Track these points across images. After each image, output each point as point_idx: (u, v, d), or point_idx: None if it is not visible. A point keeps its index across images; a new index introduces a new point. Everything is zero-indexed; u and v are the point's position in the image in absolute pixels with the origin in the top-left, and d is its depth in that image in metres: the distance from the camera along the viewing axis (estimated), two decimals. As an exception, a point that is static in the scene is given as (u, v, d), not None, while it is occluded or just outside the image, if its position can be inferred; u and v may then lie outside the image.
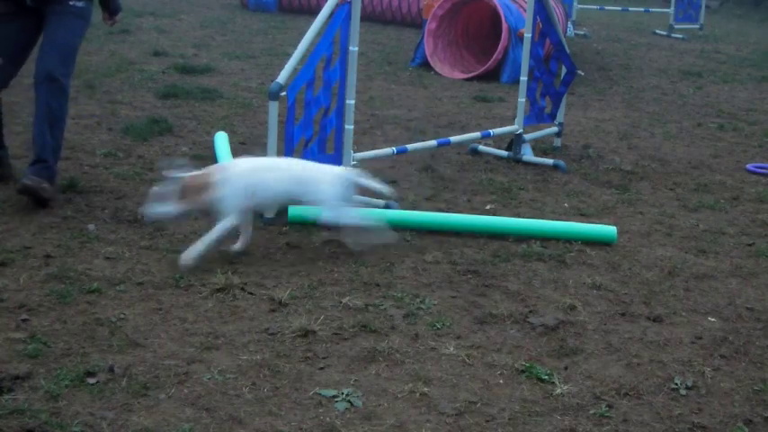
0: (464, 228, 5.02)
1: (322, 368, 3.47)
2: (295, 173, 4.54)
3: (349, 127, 5.35)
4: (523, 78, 6.66)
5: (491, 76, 10.09)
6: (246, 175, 4.47)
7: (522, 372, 3.54)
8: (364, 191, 4.82)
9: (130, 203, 5.13)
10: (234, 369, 3.41)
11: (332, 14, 5.09)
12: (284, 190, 4.53)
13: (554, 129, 7.15)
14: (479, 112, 8.41)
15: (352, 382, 3.38)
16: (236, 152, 6.15)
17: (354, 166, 5.47)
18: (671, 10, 15.77)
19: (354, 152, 5.47)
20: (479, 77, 10.09)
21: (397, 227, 4.96)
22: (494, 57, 10.09)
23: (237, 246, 4.53)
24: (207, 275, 4.22)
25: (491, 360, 3.63)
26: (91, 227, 4.67)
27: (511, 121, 7.03)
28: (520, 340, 3.82)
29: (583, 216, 5.53)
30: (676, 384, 3.51)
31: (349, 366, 3.50)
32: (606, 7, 16.95)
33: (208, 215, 4.51)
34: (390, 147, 6.03)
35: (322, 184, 4.52)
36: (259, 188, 4.46)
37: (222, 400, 3.20)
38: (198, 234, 4.74)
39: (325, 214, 4.59)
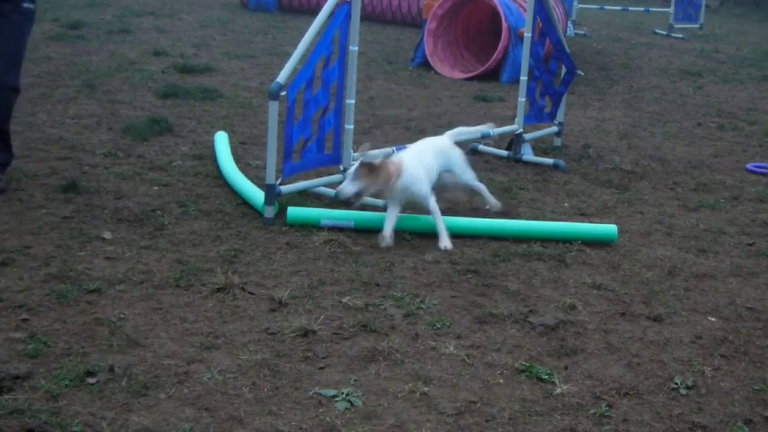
0: (464, 231, 5.01)
1: (322, 368, 3.47)
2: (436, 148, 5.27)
3: (349, 127, 5.35)
4: (523, 78, 6.66)
5: (491, 75, 10.09)
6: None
7: (522, 371, 3.54)
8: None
9: (130, 203, 5.13)
10: (234, 369, 3.41)
11: (332, 14, 5.09)
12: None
13: (554, 128, 7.15)
14: (479, 112, 8.41)
15: (352, 382, 3.38)
16: (236, 152, 6.16)
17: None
18: (671, 9, 15.79)
19: (354, 152, 5.47)
20: (479, 77, 10.09)
21: (398, 228, 4.96)
22: (494, 56, 10.09)
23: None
24: (207, 275, 4.22)
25: (491, 360, 3.63)
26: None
27: (511, 120, 7.03)
28: (520, 340, 3.82)
29: (583, 216, 5.53)
30: (676, 384, 3.51)
31: (349, 366, 3.50)
32: (606, 7, 16.95)
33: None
34: (390, 146, 6.02)
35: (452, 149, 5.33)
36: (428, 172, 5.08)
37: (222, 400, 3.20)
38: (198, 234, 4.74)
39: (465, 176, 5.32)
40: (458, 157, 5.29)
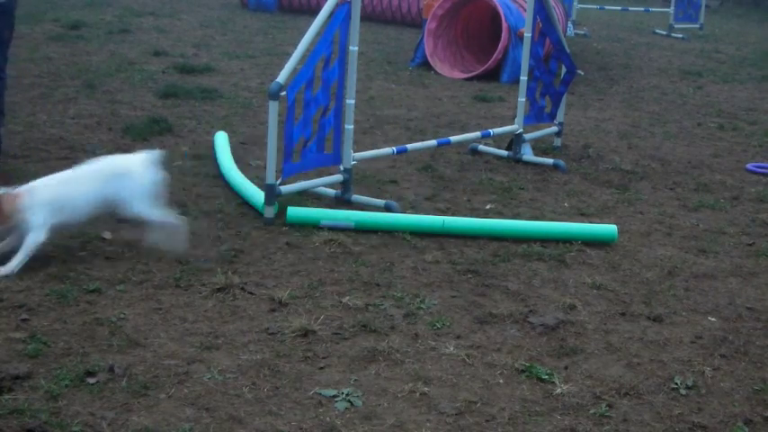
0: (464, 231, 5.01)
1: (322, 368, 3.47)
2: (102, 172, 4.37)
3: (349, 127, 5.35)
4: (523, 78, 6.66)
5: (491, 75, 10.08)
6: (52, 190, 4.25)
7: (522, 372, 3.53)
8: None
9: (130, 203, 5.12)
10: (234, 369, 3.41)
11: (332, 14, 5.09)
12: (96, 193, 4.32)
13: (554, 128, 7.15)
14: (479, 112, 8.41)
15: (352, 382, 3.38)
16: (236, 152, 6.16)
17: (354, 165, 5.48)
18: (671, 9, 15.78)
19: (354, 152, 5.47)
20: (479, 77, 10.09)
21: (397, 229, 4.96)
22: (494, 56, 10.08)
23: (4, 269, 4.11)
24: (207, 275, 4.22)
25: (491, 360, 3.62)
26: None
27: (511, 120, 7.03)
28: (520, 340, 3.82)
29: (583, 216, 5.53)
30: (676, 384, 3.51)
31: (349, 366, 3.50)
32: (606, 7, 16.94)
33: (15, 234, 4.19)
34: (390, 147, 6.03)
35: (134, 174, 4.37)
36: (68, 201, 4.25)
37: (222, 400, 3.20)
38: (196, 234, 4.74)
39: (138, 208, 4.35)
40: (138, 183, 4.35)
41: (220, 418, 3.08)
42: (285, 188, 5.12)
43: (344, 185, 5.42)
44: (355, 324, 3.83)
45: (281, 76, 4.87)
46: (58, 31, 11.03)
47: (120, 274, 4.19)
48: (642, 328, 4.01)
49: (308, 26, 5.02)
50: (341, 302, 4.04)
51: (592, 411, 3.29)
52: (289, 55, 5.01)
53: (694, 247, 5.12)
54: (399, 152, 5.93)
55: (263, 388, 3.29)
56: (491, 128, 6.92)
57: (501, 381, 3.47)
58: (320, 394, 3.27)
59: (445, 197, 5.73)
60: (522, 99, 6.70)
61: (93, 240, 4.57)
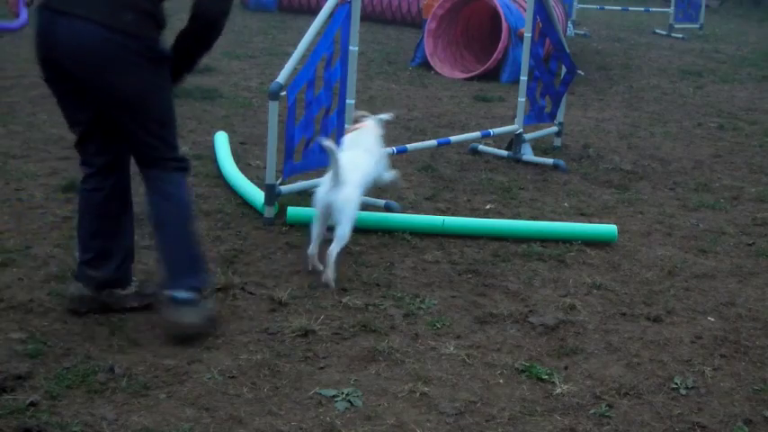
0: (464, 231, 5.01)
1: (322, 368, 3.47)
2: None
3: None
4: (523, 78, 6.66)
5: (491, 75, 10.08)
6: None
7: (522, 371, 3.54)
8: None
9: (130, 203, 5.12)
10: (234, 369, 3.41)
11: (332, 14, 5.09)
12: None
13: (554, 128, 7.15)
14: (479, 112, 8.41)
15: (352, 382, 3.38)
16: (235, 152, 6.16)
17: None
18: (671, 9, 15.77)
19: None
20: (479, 77, 10.09)
21: (397, 229, 4.96)
22: (494, 56, 10.09)
23: None
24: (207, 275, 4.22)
25: (491, 360, 3.63)
26: None
27: (511, 120, 7.03)
28: (520, 340, 3.82)
29: (583, 216, 5.53)
30: (676, 384, 3.51)
31: (349, 366, 3.50)
32: (606, 7, 16.94)
33: None
34: (390, 146, 6.03)
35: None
36: None
37: (222, 400, 3.20)
38: (198, 234, 4.74)
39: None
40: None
41: (220, 418, 3.08)
42: (285, 188, 5.12)
43: (344, 185, 5.41)
44: (355, 324, 3.84)
45: (282, 76, 4.87)
46: (58, 30, 11.02)
47: (120, 274, 4.18)
48: (642, 328, 4.01)
49: (309, 26, 5.02)
50: (341, 302, 4.04)
51: (592, 411, 3.29)
52: (289, 55, 5.01)
53: (694, 247, 5.12)
54: (399, 152, 5.92)
55: (263, 388, 3.30)
56: (491, 128, 6.93)
57: (501, 381, 3.47)
58: (320, 394, 3.27)
59: (445, 197, 5.73)
60: (522, 99, 6.70)
61: (94, 240, 4.56)
